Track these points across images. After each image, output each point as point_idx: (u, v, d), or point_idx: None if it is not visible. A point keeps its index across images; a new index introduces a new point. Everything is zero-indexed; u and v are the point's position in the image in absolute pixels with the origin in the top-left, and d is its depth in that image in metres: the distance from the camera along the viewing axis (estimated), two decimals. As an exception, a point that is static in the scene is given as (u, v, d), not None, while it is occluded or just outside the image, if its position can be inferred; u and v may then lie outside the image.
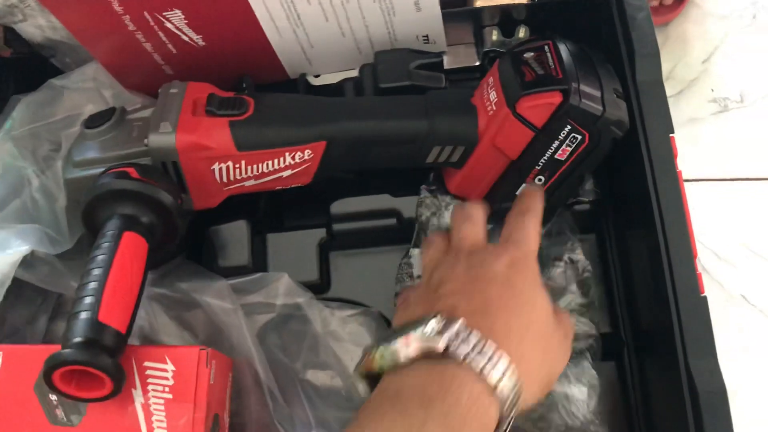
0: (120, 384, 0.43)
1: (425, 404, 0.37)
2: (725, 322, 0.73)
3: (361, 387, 0.43)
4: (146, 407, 0.46)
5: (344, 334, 0.59)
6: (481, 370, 0.39)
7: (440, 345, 0.39)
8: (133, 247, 0.48)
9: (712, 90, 0.83)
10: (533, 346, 0.43)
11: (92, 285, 0.45)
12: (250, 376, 0.55)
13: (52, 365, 0.42)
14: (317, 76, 0.64)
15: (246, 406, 0.55)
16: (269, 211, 0.63)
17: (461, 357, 0.39)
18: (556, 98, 0.50)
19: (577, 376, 0.54)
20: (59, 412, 0.47)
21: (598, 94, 0.51)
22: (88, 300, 0.44)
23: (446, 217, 0.57)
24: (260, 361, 0.54)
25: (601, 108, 0.50)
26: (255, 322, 0.58)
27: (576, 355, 0.55)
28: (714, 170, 0.79)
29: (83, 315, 0.44)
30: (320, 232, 0.62)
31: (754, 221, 0.76)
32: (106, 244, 0.47)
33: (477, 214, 0.51)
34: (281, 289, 0.58)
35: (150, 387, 0.47)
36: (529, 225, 0.49)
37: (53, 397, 0.47)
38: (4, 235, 0.50)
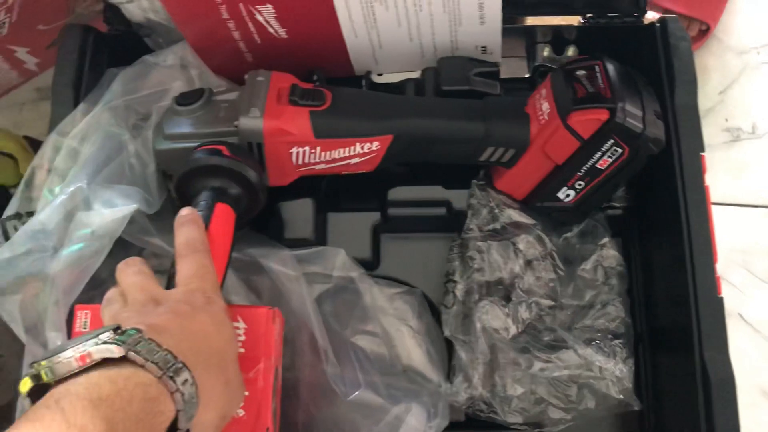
0: None
1: (91, 406, 0.33)
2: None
3: (28, 405, 0.36)
4: None
5: (390, 309, 0.66)
6: (162, 375, 0.37)
7: (117, 351, 0.36)
8: (224, 216, 0.54)
9: (726, 120, 0.88)
10: (216, 373, 0.42)
11: (190, 246, 0.51)
12: (307, 338, 0.61)
13: (158, 311, 0.48)
14: (380, 74, 0.71)
15: (300, 364, 0.62)
16: (329, 192, 0.69)
17: (141, 361, 0.36)
18: (604, 115, 0.57)
19: (616, 355, 0.61)
20: None
21: (640, 114, 0.57)
22: (187, 259, 0.51)
23: (496, 212, 0.64)
24: (317, 325, 0.60)
25: (642, 126, 0.57)
26: (312, 290, 0.64)
27: (613, 337, 0.61)
28: (722, 195, 0.84)
29: (183, 272, 0.50)
30: (375, 216, 0.69)
31: (758, 246, 0.82)
32: (201, 213, 0.53)
33: (144, 268, 0.49)
34: (338, 262, 0.65)
35: None
36: (203, 263, 0.48)
37: None
38: (110, 193, 0.57)
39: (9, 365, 1.07)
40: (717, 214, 0.76)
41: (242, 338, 0.53)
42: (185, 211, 0.52)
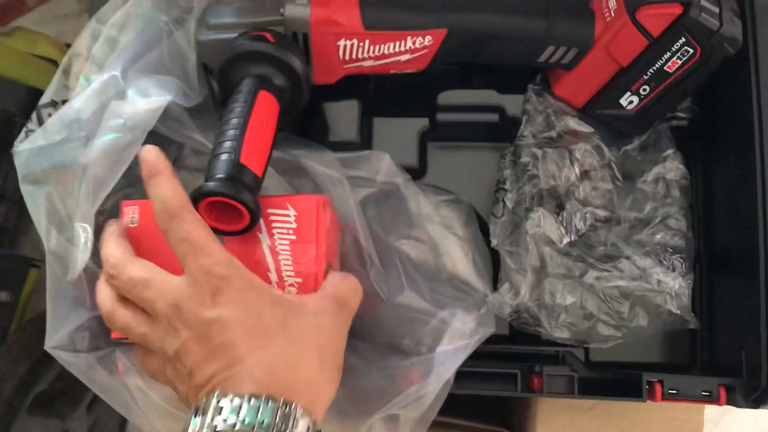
0: (256, 219, 0.48)
1: None
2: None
3: None
4: (273, 248, 0.51)
5: (436, 217, 0.63)
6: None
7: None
8: (268, 104, 0.52)
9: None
10: (301, 360, 0.44)
11: (232, 132, 0.49)
12: (350, 241, 0.59)
13: (198, 195, 0.46)
14: (434, -30, 0.66)
15: (343, 267, 0.60)
16: (376, 95, 0.66)
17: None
18: (677, 9, 0.52)
19: (675, 269, 0.58)
20: None
21: (716, 10, 0.53)
22: (229, 144, 0.48)
23: (553, 119, 0.60)
24: (362, 228, 0.57)
25: (718, 23, 0.53)
26: (356, 194, 0.61)
27: (673, 252, 0.58)
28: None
29: (225, 156, 0.48)
30: (422, 122, 0.65)
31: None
32: (243, 99, 0.51)
33: (125, 265, 0.47)
34: (382, 167, 0.61)
35: (275, 231, 0.51)
36: (189, 227, 0.45)
37: None
38: (145, 82, 0.54)
39: (49, 274, 1.08)
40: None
41: (293, 225, 0.51)
42: (149, 154, 0.47)
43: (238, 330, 0.43)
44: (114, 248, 0.48)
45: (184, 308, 0.44)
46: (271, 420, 0.39)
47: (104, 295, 0.48)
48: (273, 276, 0.51)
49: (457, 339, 0.53)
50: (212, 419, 0.40)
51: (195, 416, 0.41)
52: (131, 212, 0.53)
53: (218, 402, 0.40)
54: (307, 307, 0.46)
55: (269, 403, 0.40)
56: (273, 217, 0.51)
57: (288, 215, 0.51)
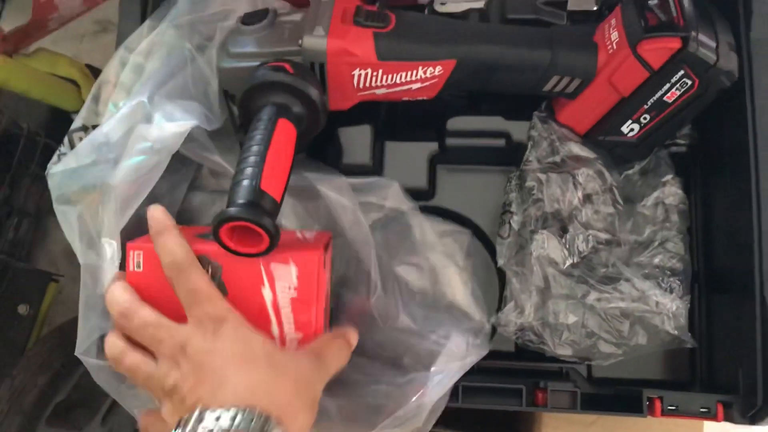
0: (275, 243, 0.50)
1: None
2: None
3: None
4: (275, 304, 0.52)
5: (439, 246, 0.65)
6: None
7: None
8: (286, 132, 0.54)
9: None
10: (279, 385, 0.47)
11: (253, 158, 0.52)
12: (359, 267, 0.61)
13: (221, 220, 0.49)
14: (443, 3, 0.69)
15: (348, 291, 0.62)
16: (388, 120, 0.69)
17: None
18: (676, 44, 0.55)
19: (673, 291, 0.60)
20: None
21: (713, 44, 0.56)
22: (250, 170, 0.51)
23: (557, 145, 0.63)
24: (373, 259, 0.60)
25: (714, 57, 0.55)
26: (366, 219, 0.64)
27: (671, 274, 0.61)
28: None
29: (246, 182, 0.50)
30: (432, 146, 0.68)
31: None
32: (263, 127, 0.54)
33: (137, 309, 0.50)
34: (390, 194, 0.65)
35: (277, 286, 0.52)
36: (196, 280, 0.49)
37: None
38: (171, 107, 0.57)
39: (67, 288, 1.12)
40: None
41: (294, 283, 0.53)
42: (156, 212, 0.52)
43: (229, 358, 0.47)
44: (122, 293, 0.51)
45: (188, 346, 0.47)
46: (246, 425, 0.43)
47: (113, 340, 0.51)
48: (275, 330, 0.53)
49: (452, 360, 0.56)
50: (193, 428, 0.43)
51: (176, 429, 0.44)
52: (136, 257, 0.53)
53: (200, 414, 0.44)
54: (289, 350, 0.52)
55: (246, 413, 0.43)
56: (276, 273, 0.52)
57: (290, 271, 0.52)
